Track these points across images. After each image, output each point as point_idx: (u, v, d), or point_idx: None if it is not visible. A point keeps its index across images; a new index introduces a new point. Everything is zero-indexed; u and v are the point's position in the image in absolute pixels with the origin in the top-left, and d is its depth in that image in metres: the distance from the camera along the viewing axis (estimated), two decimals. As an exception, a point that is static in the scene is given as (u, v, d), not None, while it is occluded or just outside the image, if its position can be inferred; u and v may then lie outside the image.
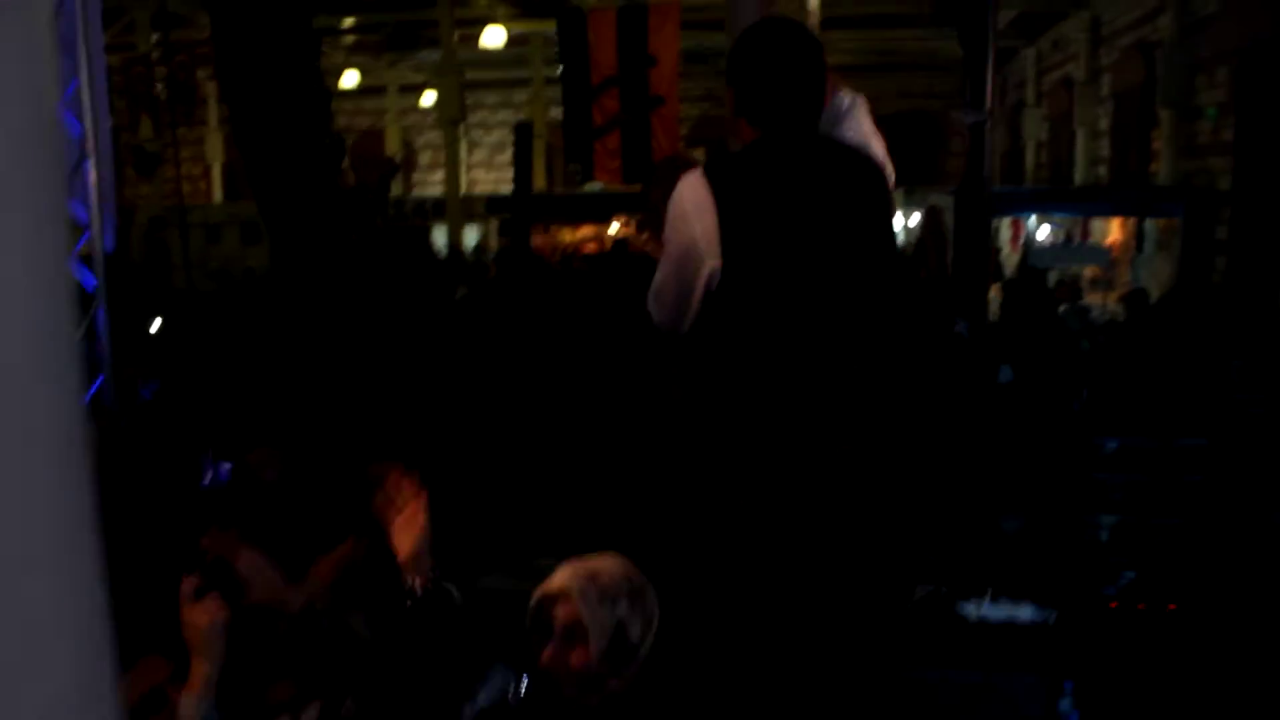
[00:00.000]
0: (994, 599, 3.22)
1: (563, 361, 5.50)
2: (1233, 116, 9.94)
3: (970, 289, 5.92)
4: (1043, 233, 13.01)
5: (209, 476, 3.87)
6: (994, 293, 8.38)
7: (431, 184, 24.10)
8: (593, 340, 5.56)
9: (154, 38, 15.04)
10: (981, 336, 5.61)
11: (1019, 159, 18.91)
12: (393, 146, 22.16)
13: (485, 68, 20.22)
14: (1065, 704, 3.11)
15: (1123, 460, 4.49)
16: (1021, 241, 13.13)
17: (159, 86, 15.47)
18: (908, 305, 2.45)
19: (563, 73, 12.27)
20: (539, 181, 18.42)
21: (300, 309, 6.82)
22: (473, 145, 24.61)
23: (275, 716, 1.98)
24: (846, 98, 2.44)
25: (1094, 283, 11.74)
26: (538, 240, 16.01)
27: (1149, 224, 11.45)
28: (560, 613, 1.88)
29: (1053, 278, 11.06)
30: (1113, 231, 12.32)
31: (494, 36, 15.70)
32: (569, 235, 17.28)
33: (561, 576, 1.92)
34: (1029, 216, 12.62)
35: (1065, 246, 12.66)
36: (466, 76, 15.88)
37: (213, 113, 19.95)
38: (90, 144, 4.57)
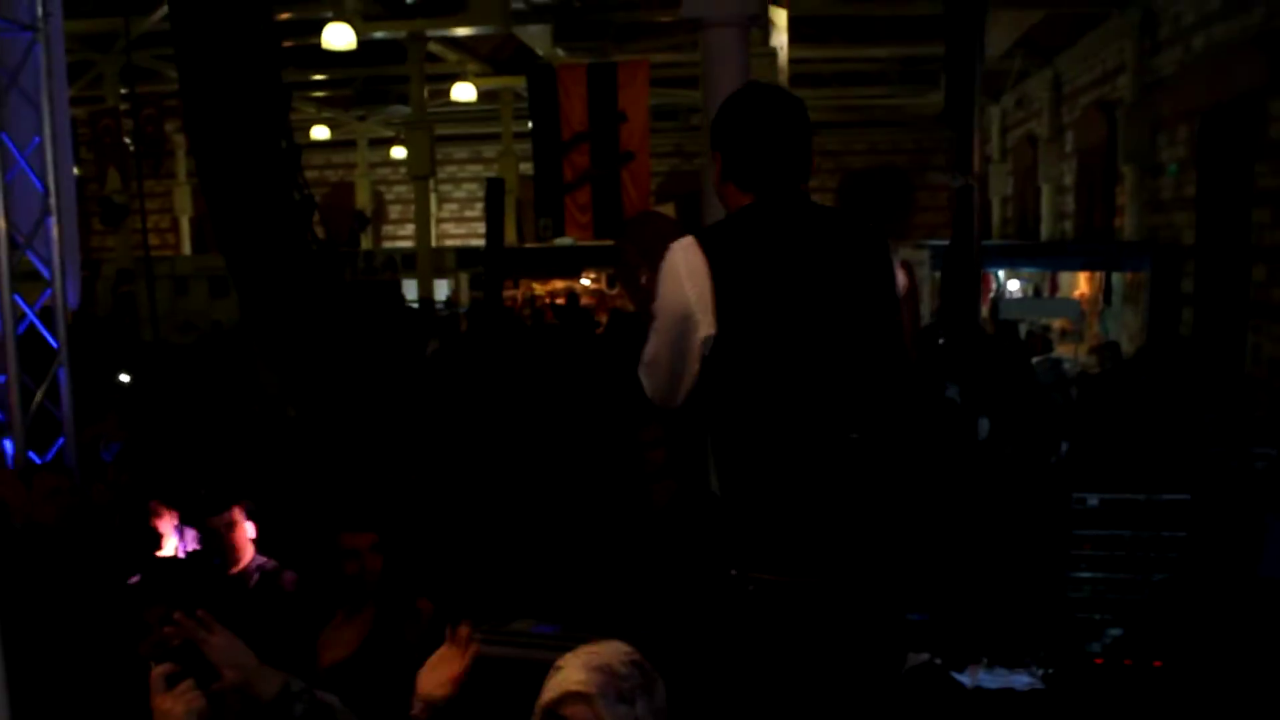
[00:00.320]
0: (989, 666, 3.15)
1: (535, 419, 5.44)
2: (1194, 172, 10.10)
3: (960, 353, 5.86)
4: (1012, 285, 13.13)
5: (179, 546, 3.75)
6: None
7: (401, 237, 24.07)
8: (564, 398, 5.50)
9: (122, 90, 14.98)
10: (972, 400, 5.57)
11: (985, 214, 19.20)
12: (363, 199, 22.15)
13: (455, 122, 20.34)
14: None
15: (1105, 516, 4.47)
16: (991, 295, 13.24)
17: (126, 140, 15.41)
18: (913, 370, 2.39)
19: (533, 128, 12.32)
20: (509, 236, 18.44)
21: (269, 364, 6.71)
22: (443, 199, 24.66)
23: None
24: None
25: (1064, 335, 11.83)
26: (507, 292, 15.99)
27: (1116, 277, 11.57)
28: (578, 713, 1.77)
29: (1022, 329, 11.12)
30: (1080, 285, 12.45)
31: (464, 92, 15.82)
32: (540, 288, 17.29)
33: (576, 674, 1.81)
34: (998, 270, 12.73)
35: (1036, 299, 12.77)
36: (436, 131, 15.94)
37: (181, 165, 19.87)
38: (53, 200, 4.49)
